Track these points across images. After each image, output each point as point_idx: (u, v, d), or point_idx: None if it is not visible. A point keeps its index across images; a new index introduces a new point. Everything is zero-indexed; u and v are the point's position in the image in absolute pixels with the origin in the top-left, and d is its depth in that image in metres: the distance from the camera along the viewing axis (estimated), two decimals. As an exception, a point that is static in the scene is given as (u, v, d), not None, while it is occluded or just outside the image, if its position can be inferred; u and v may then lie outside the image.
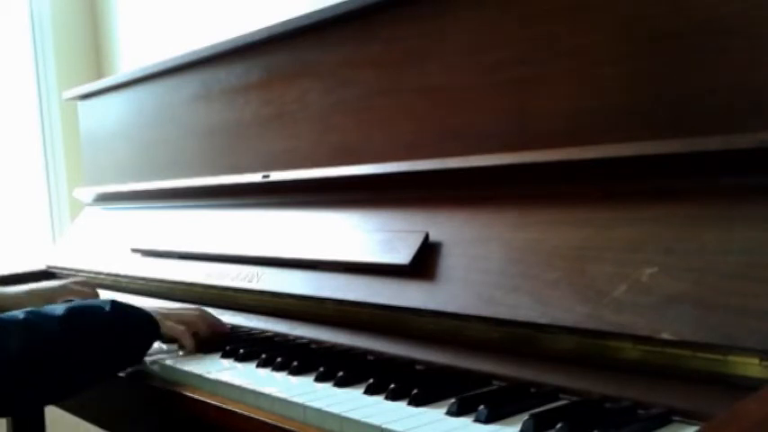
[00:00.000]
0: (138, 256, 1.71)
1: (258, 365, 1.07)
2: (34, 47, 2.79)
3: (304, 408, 0.88)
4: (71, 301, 1.52)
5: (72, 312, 1.06)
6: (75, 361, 1.04)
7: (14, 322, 1.01)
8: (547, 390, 0.87)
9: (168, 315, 1.20)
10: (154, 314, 1.17)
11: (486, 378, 0.92)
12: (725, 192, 0.83)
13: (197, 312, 1.26)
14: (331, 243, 1.22)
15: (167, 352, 1.20)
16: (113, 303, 1.12)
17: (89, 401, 1.32)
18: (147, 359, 1.16)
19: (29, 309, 1.07)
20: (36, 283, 1.59)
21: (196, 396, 1.02)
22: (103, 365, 1.10)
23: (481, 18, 1.09)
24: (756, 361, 0.72)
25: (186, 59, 1.67)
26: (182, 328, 1.19)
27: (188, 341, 1.18)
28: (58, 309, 1.06)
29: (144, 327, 1.15)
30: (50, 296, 1.49)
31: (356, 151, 1.29)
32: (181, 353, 1.19)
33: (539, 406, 0.82)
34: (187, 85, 1.71)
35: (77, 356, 1.04)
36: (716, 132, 0.83)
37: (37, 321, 1.02)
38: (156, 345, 1.21)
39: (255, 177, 1.47)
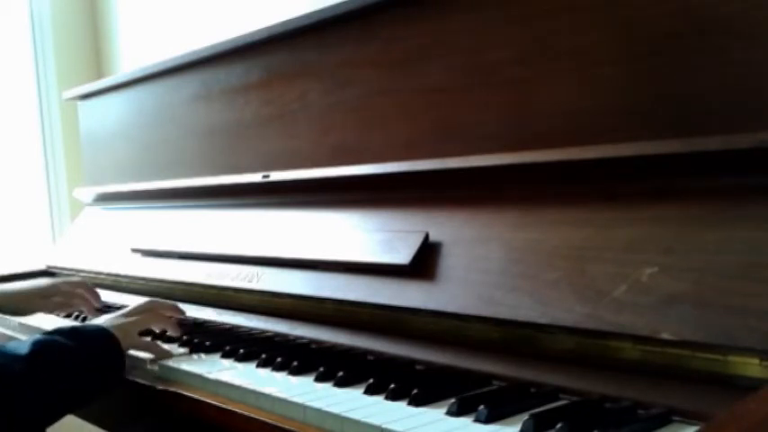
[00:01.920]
0: (138, 256, 1.71)
1: (258, 365, 1.07)
2: (34, 47, 2.79)
3: (304, 408, 0.88)
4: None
5: (37, 349, 1.04)
6: (45, 399, 1.03)
7: None
8: (547, 390, 0.86)
9: (124, 327, 1.17)
10: (111, 330, 1.14)
11: (486, 378, 0.92)
12: (725, 192, 0.83)
13: (149, 306, 1.26)
14: (331, 243, 1.22)
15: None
16: (71, 332, 1.10)
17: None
18: (148, 359, 1.16)
19: None
20: (27, 282, 1.58)
21: (196, 396, 1.02)
22: (75, 395, 1.08)
23: (481, 18, 1.09)
24: (756, 361, 0.72)
25: (186, 59, 1.67)
26: (146, 340, 1.20)
27: (159, 350, 1.17)
28: (22, 347, 1.05)
29: (107, 351, 1.12)
30: (47, 292, 1.49)
31: (356, 151, 1.29)
32: (150, 362, 1.16)
33: (539, 406, 0.81)
34: (187, 85, 1.71)
35: (47, 393, 1.03)
36: (716, 132, 0.83)
37: (3, 362, 1.02)
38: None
39: (255, 177, 1.47)
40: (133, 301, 1.66)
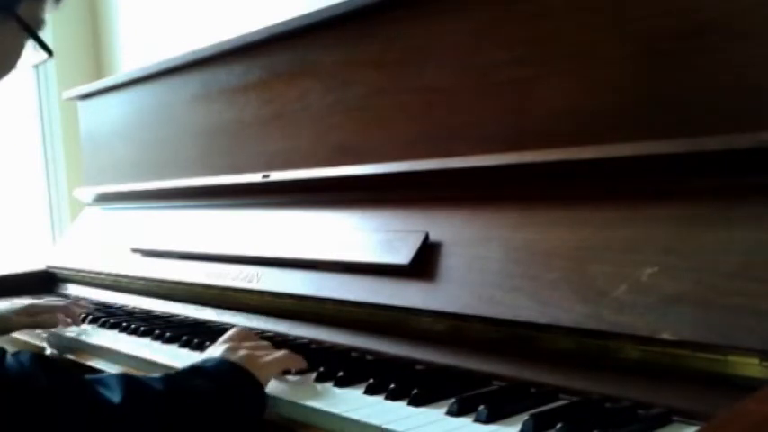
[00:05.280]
0: (138, 256, 1.71)
1: (258, 365, 1.06)
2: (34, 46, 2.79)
3: (304, 408, 0.88)
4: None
5: (170, 378, 0.92)
6: (182, 423, 0.88)
7: (110, 377, 0.89)
8: (547, 390, 0.87)
9: (240, 346, 1.01)
10: (242, 364, 0.95)
11: (486, 378, 0.92)
12: (725, 192, 0.83)
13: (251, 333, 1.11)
14: (331, 243, 1.22)
15: None
16: (204, 372, 0.93)
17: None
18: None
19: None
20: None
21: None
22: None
23: (481, 18, 1.09)
24: (756, 361, 0.72)
25: (186, 59, 1.67)
26: (279, 354, 1.01)
27: (295, 363, 1.02)
28: (156, 375, 0.92)
29: (248, 390, 0.93)
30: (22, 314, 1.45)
31: (356, 151, 1.29)
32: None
33: (539, 406, 0.82)
34: (187, 85, 1.71)
35: (184, 418, 0.88)
36: (716, 132, 0.83)
37: (137, 377, 0.91)
38: None
39: (255, 177, 1.47)
40: (133, 301, 1.67)
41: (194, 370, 0.94)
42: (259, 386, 0.94)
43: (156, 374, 0.92)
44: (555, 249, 0.93)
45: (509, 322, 0.92)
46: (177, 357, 1.15)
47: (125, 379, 0.87)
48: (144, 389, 0.87)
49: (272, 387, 0.95)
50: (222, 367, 0.95)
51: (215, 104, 1.63)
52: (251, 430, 0.93)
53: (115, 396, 0.84)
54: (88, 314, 1.56)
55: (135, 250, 1.72)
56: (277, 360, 0.99)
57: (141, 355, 1.20)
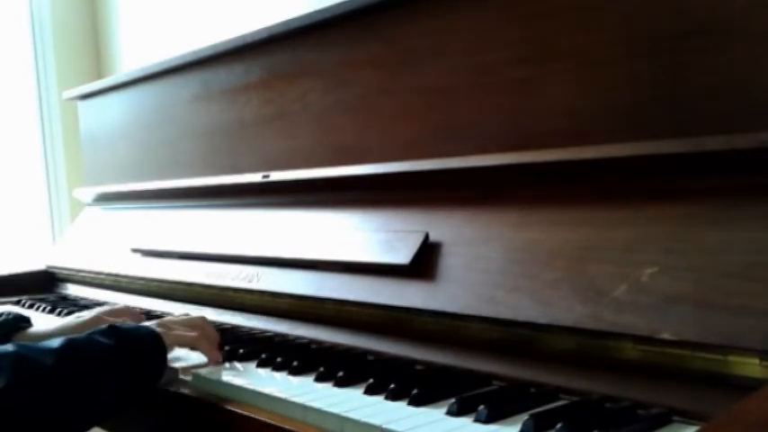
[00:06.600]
0: (138, 256, 1.71)
1: (258, 365, 1.07)
2: (34, 47, 2.80)
3: (304, 408, 0.88)
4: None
5: (69, 344, 0.97)
6: (72, 398, 0.94)
7: (3, 356, 0.92)
8: (547, 390, 0.86)
9: (171, 323, 1.12)
10: (155, 328, 1.08)
11: (486, 378, 0.92)
12: (725, 192, 0.83)
13: (200, 319, 1.17)
14: (331, 243, 1.22)
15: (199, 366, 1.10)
16: (111, 329, 1.02)
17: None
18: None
19: (22, 342, 1.00)
20: (65, 318, 1.44)
21: (195, 396, 1.02)
22: (107, 401, 0.99)
23: (481, 18, 1.09)
24: (756, 361, 0.72)
25: (186, 59, 1.67)
26: (193, 333, 1.11)
27: (206, 346, 1.10)
28: (55, 342, 0.97)
29: (148, 348, 1.04)
30: (81, 329, 1.41)
31: (356, 151, 1.29)
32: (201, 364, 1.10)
33: (539, 406, 0.82)
34: (187, 85, 1.71)
35: (75, 393, 0.95)
36: (716, 132, 0.83)
37: (29, 355, 0.93)
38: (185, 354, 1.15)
39: (255, 177, 1.47)
40: (133, 301, 1.67)
41: (110, 328, 1.02)
42: (156, 334, 1.04)
43: (57, 340, 0.98)
44: (555, 249, 0.93)
45: (509, 322, 0.92)
46: (175, 358, 1.15)
47: (14, 358, 0.92)
48: (32, 368, 0.92)
49: (270, 386, 0.95)
50: (128, 326, 1.06)
51: (215, 104, 1.63)
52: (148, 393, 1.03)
53: (1, 380, 0.89)
54: None
55: (135, 250, 1.72)
56: (191, 335, 1.10)
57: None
